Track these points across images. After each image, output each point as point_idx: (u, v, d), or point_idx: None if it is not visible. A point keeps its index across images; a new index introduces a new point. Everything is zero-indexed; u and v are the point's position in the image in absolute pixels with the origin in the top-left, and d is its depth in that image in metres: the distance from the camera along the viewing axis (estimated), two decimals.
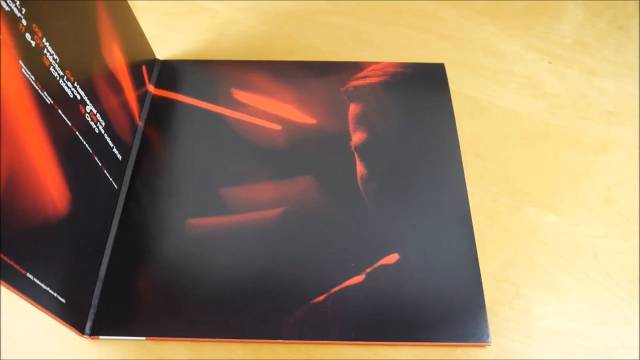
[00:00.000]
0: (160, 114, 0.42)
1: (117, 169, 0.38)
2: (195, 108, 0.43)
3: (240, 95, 0.43)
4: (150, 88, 0.44)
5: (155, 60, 0.46)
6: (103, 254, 0.35)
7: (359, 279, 0.34)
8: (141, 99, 0.42)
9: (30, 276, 0.27)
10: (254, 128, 0.42)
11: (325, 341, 0.32)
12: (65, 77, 0.31)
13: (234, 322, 0.33)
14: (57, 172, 0.29)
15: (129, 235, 0.36)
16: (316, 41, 0.49)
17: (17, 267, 0.26)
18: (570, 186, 0.40)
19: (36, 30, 0.28)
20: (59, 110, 0.30)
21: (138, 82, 0.42)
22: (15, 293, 0.26)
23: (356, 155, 0.40)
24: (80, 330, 0.32)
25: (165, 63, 0.46)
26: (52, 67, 0.30)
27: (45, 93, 0.29)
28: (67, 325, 0.30)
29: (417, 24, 0.50)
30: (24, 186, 0.26)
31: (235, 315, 0.33)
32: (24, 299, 0.27)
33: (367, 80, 0.44)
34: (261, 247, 0.36)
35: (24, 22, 0.27)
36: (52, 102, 0.29)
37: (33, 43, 0.28)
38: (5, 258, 0.25)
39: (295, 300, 0.33)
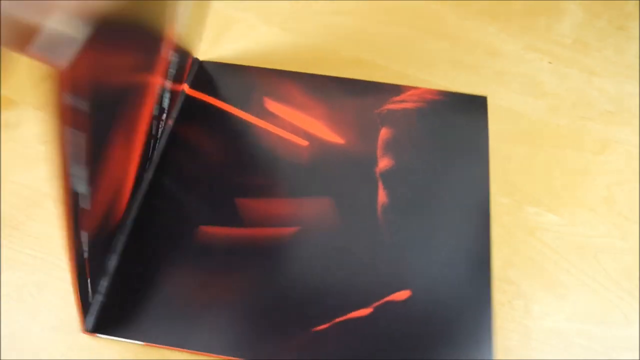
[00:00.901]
0: (190, 114, 0.42)
1: (146, 168, 0.38)
2: (225, 113, 0.42)
3: (272, 105, 0.42)
4: (185, 87, 0.43)
5: (194, 59, 0.45)
6: (114, 251, 0.35)
7: (365, 311, 0.33)
8: (175, 97, 0.42)
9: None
10: (281, 141, 0.41)
11: None
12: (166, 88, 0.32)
13: (233, 339, 0.32)
14: (132, 178, 0.30)
15: (141, 236, 0.36)
16: (316, 41, 0.49)
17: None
18: (570, 186, 0.40)
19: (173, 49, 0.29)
20: (154, 121, 0.31)
21: (176, 80, 0.42)
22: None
23: (380, 182, 0.38)
24: (82, 324, 0.32)
25: (203, 63, 0.45)
26: (166, 83, 0.31)
27: (156, 106, 0.30)
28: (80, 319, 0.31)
29: (417, 24, 0.50)
30: (111, 194, 0.27)
31: (235, 332, 0.32)
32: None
33: (403, 105, 0.42)
34: (270, 265, 0.35)
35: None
36: (157, 114, 0.31)
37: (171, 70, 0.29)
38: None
39: (297, 325, 0.32)
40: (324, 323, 0.32)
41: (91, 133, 0.23)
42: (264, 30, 0.50)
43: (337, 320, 0.32)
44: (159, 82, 0.27)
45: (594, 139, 0.42)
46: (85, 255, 0.26)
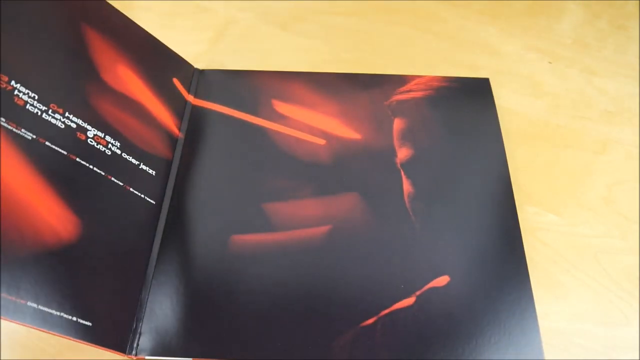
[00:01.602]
0: (201, 125, 0.41)
1: (151, 184, 0.37)
2: (236, 119, 0.42)
3: (281, 107, 0.42)
4: (190, 98, 0.43)
5: (194, 70, 0.45)
6: (145, 270, 0.34)
7: (409, 301, 0.33)
8: (179, 110, 0.41)
9: (33, 304, 0.27)
10: (297, 142, 0.41)
11: None
12: (50, 110, 0.32)
13: (281, 344, 0.32)
14: (54, 201, 0.30)
15: (172, 251, 0.35)
16: (316, 41, 0.49)
17: (12, 298, 0.26)
18: (570, 186, 0.40)
19: (1, 77, 0.29)
20: (46, 143, 0.31)
21: (170, 95, 0.41)
22: (19, 323, 0.26)
23: (402, 172, 0.39)
24: (123, 350, 0.31)
25: (205, 73, 0.45)
26: (29, 104, 0.30)
27: (23, 130, 0.30)
28: (103, 347, 0.30)
29: (417, 24, 0.50)
30: (7, 221, 0.27)
31: (281, 337, 0.32)
32: (33, 327, 0.27)
33: (411, 95, 0.43)
34: (307, 266, 0.35)
35: None
36: (34, 137, 0.30)
37: None
38: None
39: (344, 323, 0.32)
40: (370, 317, 0.33)
41: None
42: (264, 30, 0.50)
43: (383, 313, 0.33)
44: None
45: (594, 139, 0.42)
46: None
